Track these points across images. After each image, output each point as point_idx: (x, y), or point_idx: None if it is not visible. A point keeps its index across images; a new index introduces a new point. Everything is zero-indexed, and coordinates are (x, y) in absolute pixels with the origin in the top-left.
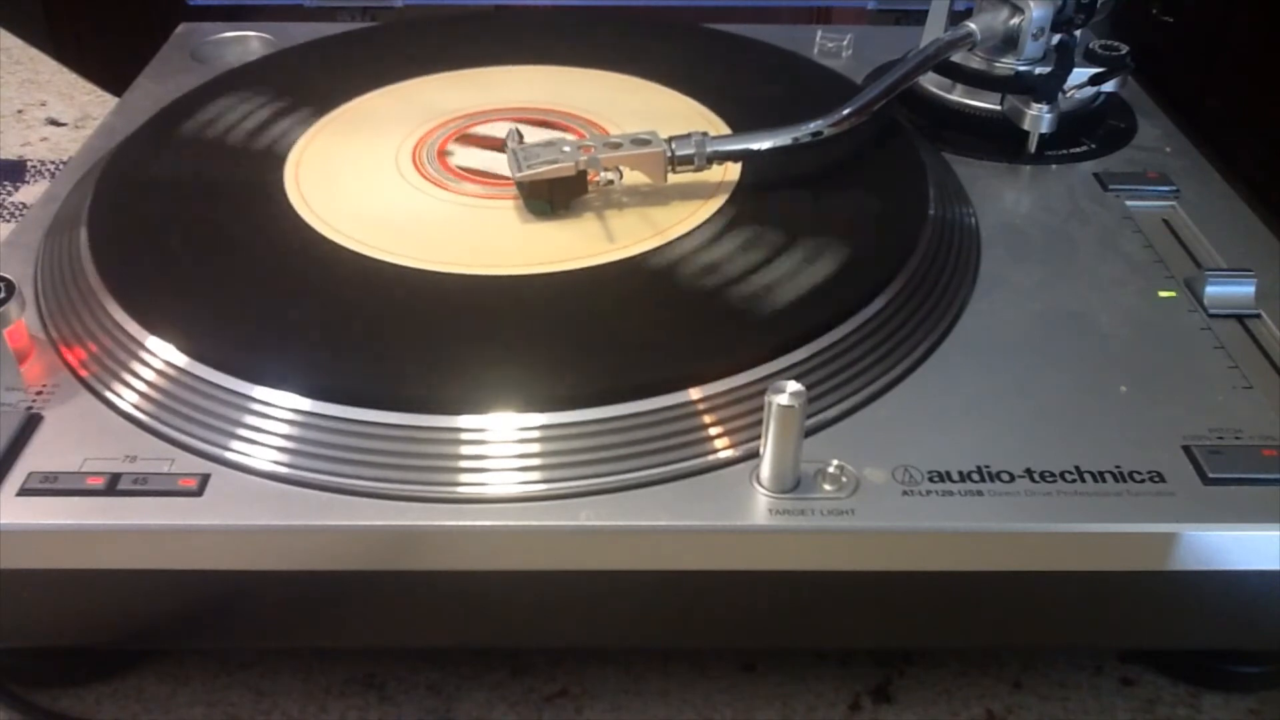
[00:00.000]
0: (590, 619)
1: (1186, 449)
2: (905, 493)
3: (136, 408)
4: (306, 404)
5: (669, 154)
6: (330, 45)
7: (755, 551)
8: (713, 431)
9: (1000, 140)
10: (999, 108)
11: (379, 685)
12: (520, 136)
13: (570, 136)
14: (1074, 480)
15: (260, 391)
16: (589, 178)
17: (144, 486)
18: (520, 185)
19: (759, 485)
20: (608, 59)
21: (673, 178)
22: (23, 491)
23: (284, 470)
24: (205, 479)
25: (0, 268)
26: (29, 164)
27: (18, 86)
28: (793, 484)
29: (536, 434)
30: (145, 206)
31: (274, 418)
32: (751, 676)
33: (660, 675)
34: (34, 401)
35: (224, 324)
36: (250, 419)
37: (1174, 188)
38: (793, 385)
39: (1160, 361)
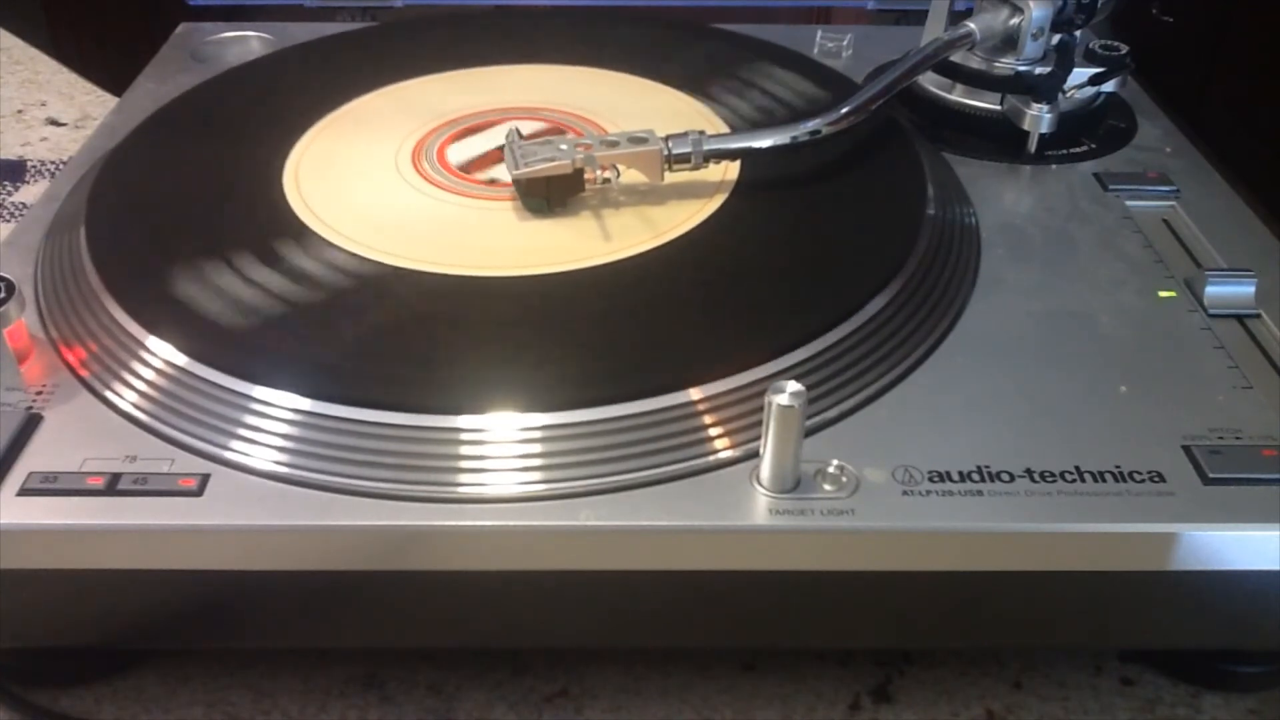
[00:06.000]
0: (590, 619)
1: (1186, 449)
2: (905, 493)
3: (136, 408)
4: (306, 404)
5: (665, 152)
6: (330, 45)
7: (755, 551)
8: (713, 431)
9: (1000, 140)
10: (999, 108)
11: (379, 685)
12: (519, 135)
13: (568, 134)
14: (1074, 480)
15: (260, 391)
16: (586, 176)
17: (144, 486)
18: (517, 183)
19: (759, 485)
20: (607, 59)
21: (671, 177)
22: (23, 491)
23: (284, 470)
24: (205, 479)
25: (0, 268)
26: (29, 164)
27: (18, 86)
28: (793, 484)
29: (536, 434)
30: (145, 207)
31: (274, 418)
32: (751, 676)
33: (660, 675)
34: (34, 401)
35: (224, 324)
36: (250, 419)
37: (1174, 188)
38: (793, 385)
39: (1160, 361)
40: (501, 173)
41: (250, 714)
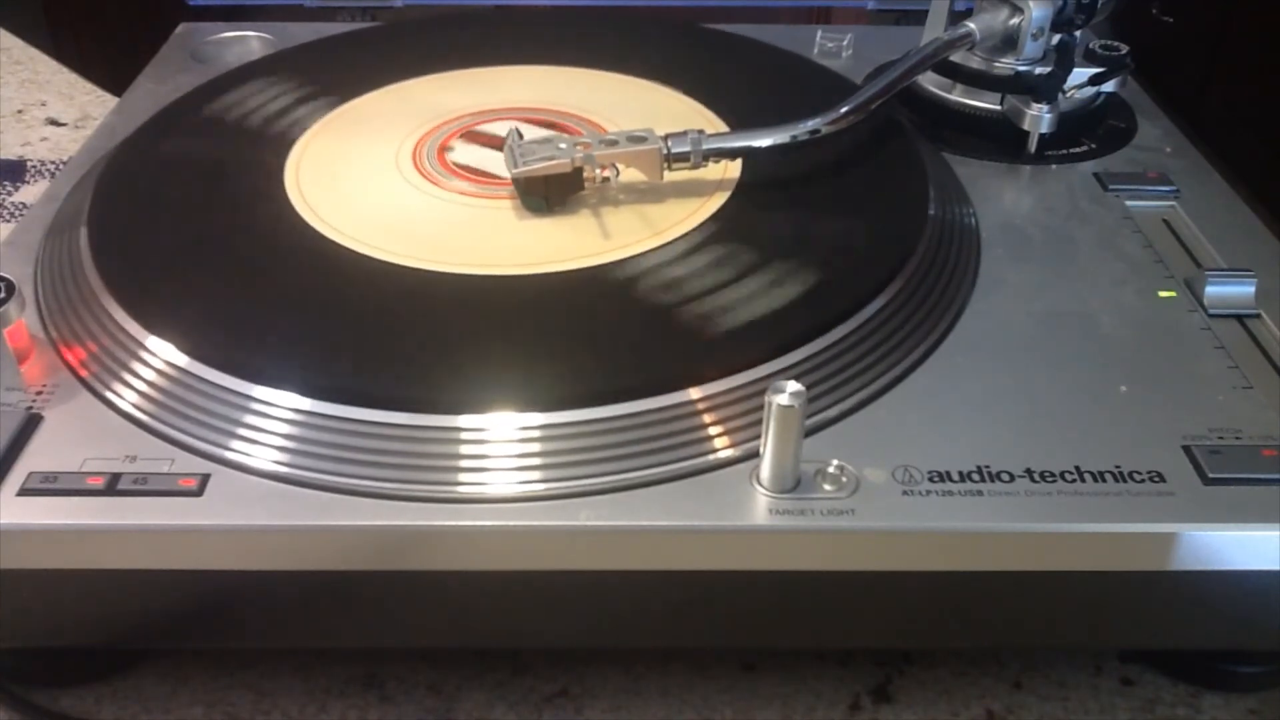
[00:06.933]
0: (590, 619)
1: (1186, 449)
2: (905, 493)
3: (136, 408)
4: (306, 404)
5: (664, 151)
6: (330, 45)
7: (755, 551)
8: (712, 431)
9: (1000, 140)
10: (999, 108)
11: (379, 685)
12: (520, 135)
13: (567, 134)
14: (1074, 480)
15: (260, 391)
16: (585, 175)
17: (144, 486)
18: (516, 182)
19: (759, 485)
20: (608, 59)
21: (671, 176)
22: (23, 491)
23: (284, 470)
24: (205, 479)
25: (0, 268)
26: (29, 164)
27: (18, 86)
28: (793, 484)
29: (536, 434)
30: (145, 206)
31: (274, 417)
32: (751, 676)
33: (660, 675)
34: (34, 401)
35: (224, 324)
36: (250, 419)
37: (1174, 188)
38: (793, 385)
39: (1160, 361)
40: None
41: (250, 714)
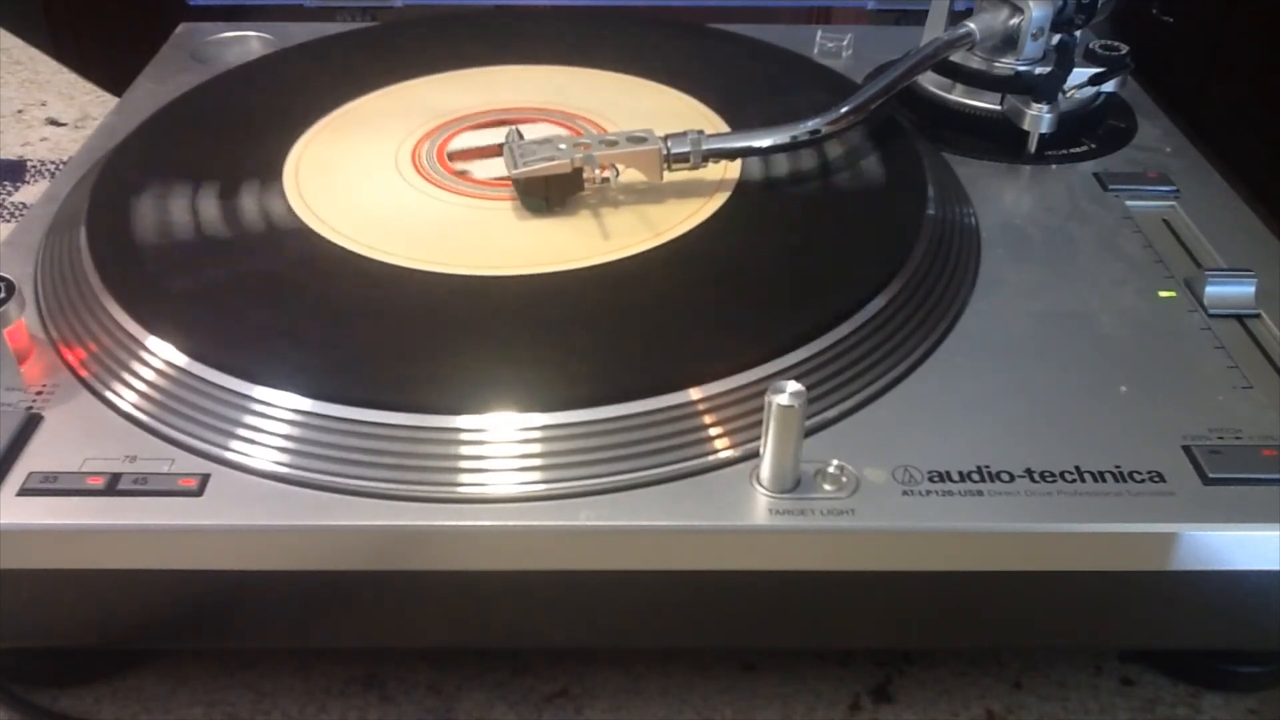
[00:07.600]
0: (590, 619)
1: (1186, 449)
2: (905, 493)
3: (136, 408)
4: (306, 404)
5: (664, 151)
6: (330, 45)
7: (755, 551)
8: (712, 431)
9: (1000, 140)
10: (999, 108)
11: (379, 685)
12: (520, 135)
13: (567, 134)
14: (1074, 480)
15: (260, 391)
16: (585, 176)
17: (144, 486)
18: (516, 182)
19: (759, 485)
20: (608, 59)
21: (671, 176)
22: (23, 491)
23: (284, 470)
24: (205, 479)
25: (0, 268)
26: (29, 164)
27: (18, 86)
28: (793, 484)
29: (536, 434)
30: (145, 206)
31: (274, 418)
32: (751, 676)
33: (660, 675)
34: (34, 401)
35: (224, 324)
36: (250, 419)
37: (1174, 188)
38: (793, 385)
39: (1160, 361)
40: (481, 169)
41: (250, 714)
